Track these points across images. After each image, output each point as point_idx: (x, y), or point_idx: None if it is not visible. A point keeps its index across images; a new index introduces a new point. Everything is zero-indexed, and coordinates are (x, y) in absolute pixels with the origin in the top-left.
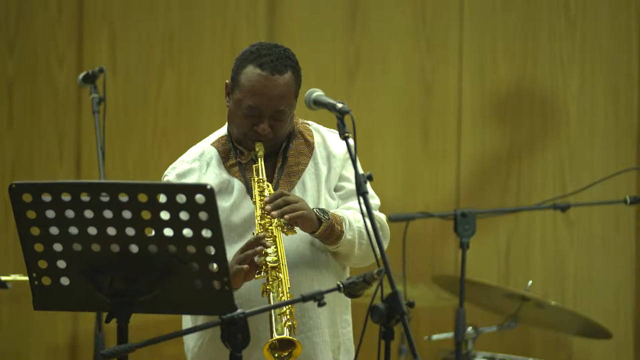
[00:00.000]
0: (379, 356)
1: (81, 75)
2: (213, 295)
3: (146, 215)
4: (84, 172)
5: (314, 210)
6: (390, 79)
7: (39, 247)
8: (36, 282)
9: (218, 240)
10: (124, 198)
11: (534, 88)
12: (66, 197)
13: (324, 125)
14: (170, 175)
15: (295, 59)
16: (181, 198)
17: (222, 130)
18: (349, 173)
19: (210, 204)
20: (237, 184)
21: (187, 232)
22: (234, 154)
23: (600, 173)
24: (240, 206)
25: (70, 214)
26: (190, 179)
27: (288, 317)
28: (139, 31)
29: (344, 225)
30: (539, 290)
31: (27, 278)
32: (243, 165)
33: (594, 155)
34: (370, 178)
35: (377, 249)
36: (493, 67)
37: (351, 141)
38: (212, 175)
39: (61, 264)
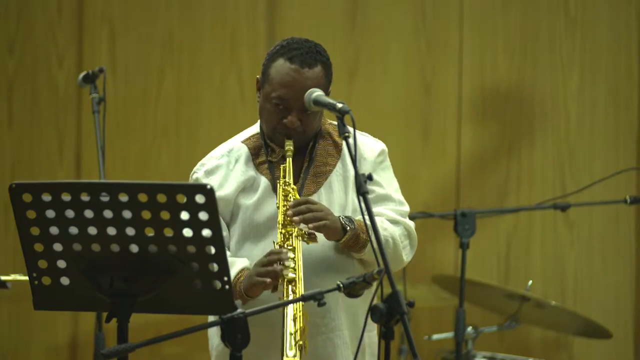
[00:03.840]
0: (379, 356)
1: (81, 75)
2: (213, 295)
3: (146, 215)
4: (84, 172)
5: (340, 218)
6: (390, 79)
7: (39, 247)
8: (36, 282)
9: (218, 240)
10: (124, 198)
11: (533, 88)
12: (66, 197)
13: None
14: (199, 172)
15: (326, 54)
16: (181, 198)
17: (255, 128)
18: (380, 177)
19: (210, 204)
20: (264, 182)
21: (187, 232)
22: (264, 152)
23: (600, 173)
24: (264, 204)
25: (70, 214)
26: (217, 176)
27: (299, 336)
28: (139, 31)
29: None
30: (539, 290)
31: (27, 278)
32: (273, 164)
33: (594, 155)
34: (370, 178)
35: (377, 249)
36: (493, 67)
37: (351, 141)
38: (238, 172)
39: (61, 263)
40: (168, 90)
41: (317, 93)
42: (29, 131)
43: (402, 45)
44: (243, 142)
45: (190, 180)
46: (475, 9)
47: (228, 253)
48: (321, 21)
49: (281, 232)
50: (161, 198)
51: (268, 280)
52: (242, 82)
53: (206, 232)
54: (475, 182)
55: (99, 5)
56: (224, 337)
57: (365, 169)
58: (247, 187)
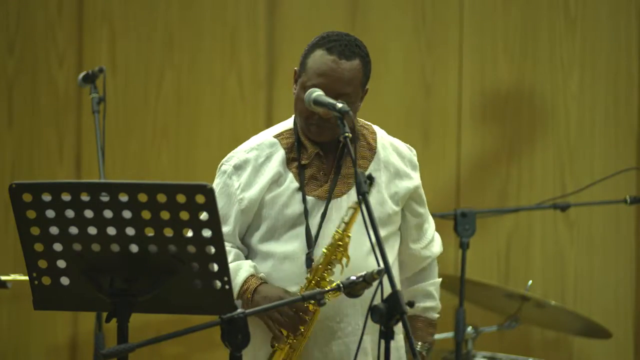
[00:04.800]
0: (379, 356)
1: (81, 75)
2: (213, 295)
3: (146, 215)
4: (84, 172)
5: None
6: (390, 79)
7: (39, 247)
8: (36, 282)
9: (218, 240)
10: (124, 198)
11: (533, 88)
12: (66, 197)
13: None
14: (227, 165)
15: (366, 50)
16: (181, 198)
17: (288, 123)
18: (422, 196)
19: (210, 204)
20: (290, 180)
21: (187, 232)
22: (296, 152)
23: (600, 173)
24: (289, 205)
25: (70, 213)
26: (246, 173)
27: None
28: (139, 31)
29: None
30: (539, 290)
31: (27, 278)
32: (304, 167)
33: (594, 155)
34: (370, 178)
35: (377, 248)
36: (493, 67)
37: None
38: (267, 169)
39: (61, 263)
40: (168, 90)
41: (317, 93)
42: (29, 131)
43: (402, 45)
44: (275, 136)
45: (218, 173)
46: (475, 9)
47: (232, 253)
48: (321, 21)
49: (310, 279)
50: (161, 198)
51: (278, 333)
52: (242, 82)
53: (206, 232)
54: (475, 181)
55: (99, 5)
56: (224, 337)
57: (410, 182)
58: (273, 184)
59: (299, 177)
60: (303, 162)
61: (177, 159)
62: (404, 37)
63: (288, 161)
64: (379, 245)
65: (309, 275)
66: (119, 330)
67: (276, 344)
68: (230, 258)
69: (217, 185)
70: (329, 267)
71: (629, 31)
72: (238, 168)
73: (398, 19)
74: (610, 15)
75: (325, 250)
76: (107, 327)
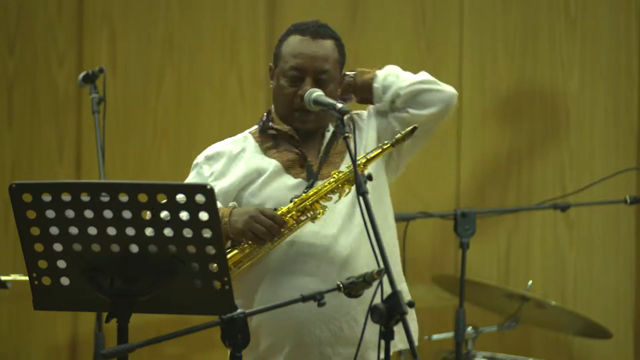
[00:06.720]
0: (379, 356)
1: (81, 75)
2: (213, 295)
3: (146, 215)
4: (84, 172)
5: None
6: None
7: (39, 247)
8: (36, 282)
9: (218, 240)
10: (124, 198)
11: (534, 88)
12: (66, 197)
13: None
14: (200, 157)
15: (338, 35)
16: (181, 198)
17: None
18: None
19: (210, 204)
20: (274, 165)
21: (187, 232)
22: (265, 122)
23: (600, 173)
24: (268, 184)
25: (70, 214)
26: (219, 163)
27: None
28: (139, 31)
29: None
30: (539, 290)
31: (27, 278)
32: (274, 137)
33: (594, 155)
34: (370, 178)
35: (377, 248)
36: (493, 67)
37: (351, 141)
38: (242, 161)
39: (61, 264)
40: (168, 90)
41: (317, 93)
42: (29, 131)
43: (402, 45)
44: (249, 132)
45: (192, 166)
46: (475, 9)
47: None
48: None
49: (297, 204)
50: (161, 198)
51: (250, 235)
52: (242, 82)
53: (206, 232)
54: (475, 181)
55: (99, 5)
56: (224, 337)
57: (364, 126)
58: (252, 180)
59: (282, 156)
60: (270, 131)
61: (177, 159)
62: (404, 38)
63: (264, 150)
64: (379, 245)
65: (303, 195)
66: (119, 330)
67: (238, 247)
68: None
69: (191, 176)
70: (328, 195)
71: (629, 31)
72: (210, 158)
73: (398, 19)
74: (610, 15)
75: (334, 176)
76: (107, 327)
